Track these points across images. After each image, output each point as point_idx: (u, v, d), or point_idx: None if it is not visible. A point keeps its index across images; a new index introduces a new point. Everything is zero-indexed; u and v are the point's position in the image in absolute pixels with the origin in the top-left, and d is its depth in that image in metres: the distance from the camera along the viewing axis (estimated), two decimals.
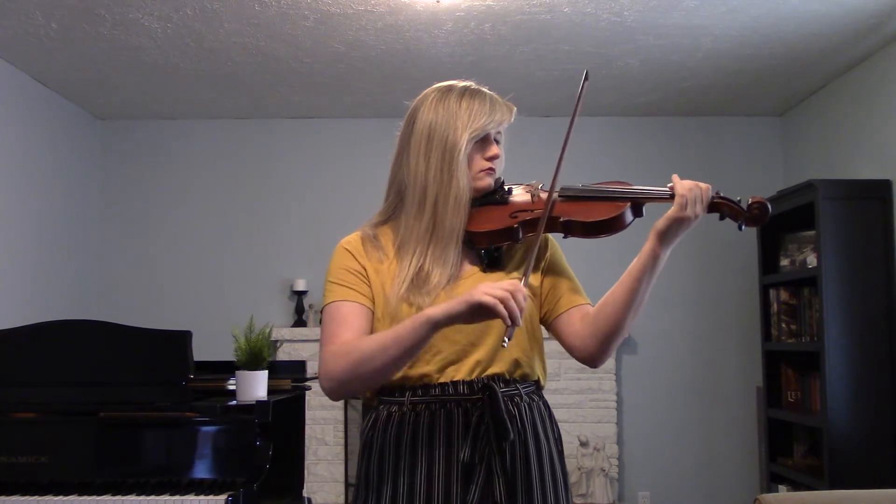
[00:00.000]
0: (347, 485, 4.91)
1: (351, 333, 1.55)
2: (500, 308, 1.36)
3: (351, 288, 1.59)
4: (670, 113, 5.22)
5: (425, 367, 1.55)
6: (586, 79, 1.62)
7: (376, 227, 1.67)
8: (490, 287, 1.39)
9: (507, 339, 1.39)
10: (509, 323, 1.37)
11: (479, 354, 1.56)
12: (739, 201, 1.55)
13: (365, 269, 1.61)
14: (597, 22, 3.76)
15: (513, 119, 1.64)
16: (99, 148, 5.26)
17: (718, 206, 1.55)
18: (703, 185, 1.52)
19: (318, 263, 4.84)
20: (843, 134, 4.51)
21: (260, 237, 5.23)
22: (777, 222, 4.35)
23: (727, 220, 1.58)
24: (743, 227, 1.57)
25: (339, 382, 1.52)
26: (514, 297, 1.37)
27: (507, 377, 1.58)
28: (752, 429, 5.09)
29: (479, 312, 1.40)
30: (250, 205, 5.25)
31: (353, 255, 1.62)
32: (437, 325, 1.43)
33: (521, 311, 1.38)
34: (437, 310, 1.43)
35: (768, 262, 4.59)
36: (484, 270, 1.61)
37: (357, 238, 1.65)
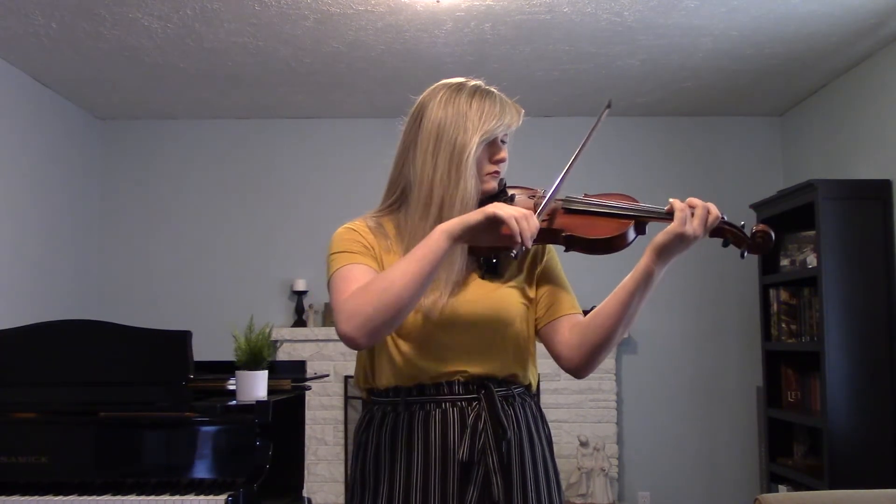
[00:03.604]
0: (347, 485, 4.91)
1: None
2: (514, 223, 1.39)
3: (360, 254, 1.55)
4: (670, 113, 5.22)
5: (420, 368, 1.54)
6: (608, 107, 1.60)
7: (378, 218, 1.64)
8: (506, 205, 1.44)
9: (514, 254, 1.44)
10: (518, 240, 1.40)
11: (473, 356, 1.55)
12: (743, 226, 1.53)
13: (373, 248, 1.57)
14: (597, 22, 3.76)
15: (521, 122, 1.62)
16: (99, 148, 5.26)
17: (723, 232, 1.53)
18: (711, 206, 1.49)
19: (318, 263, 4.81)
20: (843, 134, 4.51)
21: (260, 237, 5.23)
22: (777, 222, 4.35)
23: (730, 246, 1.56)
24: (745, 254, 1.55)
25: (365, 318, 1.40)
26: (527, 220, 1.41)
27: (500, 378, 1.57)
28: (752, 429, 5.09)
29: (493, 224, 1.42)
30: (250, 205, 5.25)
31: (359, 233, 1.58)
32: (452, 236, 1.43)
33: (531, 235, 1.41)
34: (452, 222, 1.45)
35: (768, 261, 4.59)
36: (482, 277, 1.59)
37: (362, 222, 1.62)
